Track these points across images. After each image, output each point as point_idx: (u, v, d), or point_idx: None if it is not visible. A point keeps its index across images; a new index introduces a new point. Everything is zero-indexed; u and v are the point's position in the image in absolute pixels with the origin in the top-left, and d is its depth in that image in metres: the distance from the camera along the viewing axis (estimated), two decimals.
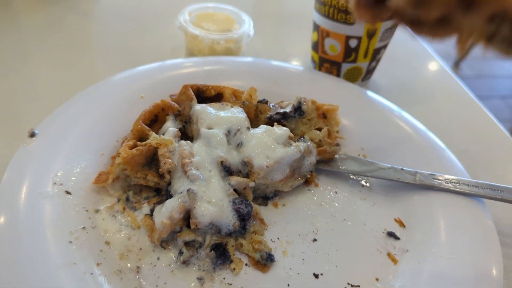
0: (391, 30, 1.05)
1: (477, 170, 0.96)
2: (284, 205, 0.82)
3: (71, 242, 0.66)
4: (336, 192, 0.86)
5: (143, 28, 1.37)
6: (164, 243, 0.72)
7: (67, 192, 0.73)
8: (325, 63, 1.13)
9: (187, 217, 0.71)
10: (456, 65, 4.17)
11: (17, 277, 0.59)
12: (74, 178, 0.76)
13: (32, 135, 0.78)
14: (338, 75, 1.12)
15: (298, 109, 0.90)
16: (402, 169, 0.85)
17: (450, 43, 0.52)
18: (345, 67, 1.10)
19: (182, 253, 0.69)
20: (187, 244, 0.70)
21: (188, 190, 0.71)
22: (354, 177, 0.89)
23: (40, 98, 1.03)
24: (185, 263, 0.69)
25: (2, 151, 0.85)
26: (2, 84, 1.05)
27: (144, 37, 1.33)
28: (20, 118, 0.96)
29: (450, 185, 0.81)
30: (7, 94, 1.02)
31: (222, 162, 0.77)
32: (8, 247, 0.62)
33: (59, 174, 0.75)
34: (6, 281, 0.58)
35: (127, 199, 0.76)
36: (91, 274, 0.63)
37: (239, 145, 0.81)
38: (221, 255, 0.70)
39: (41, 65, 1.15)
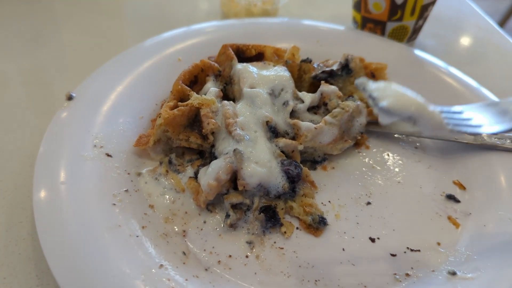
0: None
1: None
2: (333, 168, 0.77)
3: (114, 204, 0.63)
4: (388, 154, 0.80)
5: None
6: (210, 206, 0.68)
7: (108, 155, 0.70)
8: (368, 23, 1.06)
9: (233, 179, 0.68)
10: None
11: (63, 240, 0.56)
12: (114, 141, 0.72)
13: (70, 98, 0.75)
14: (382, 35, 1.06)
15: (346, 67, 0.84)
16: None
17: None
18: (390, 26, 1.03)
19: (229, 216, 0.65)
20: (234, 207, 0.66)
21: (234, 150, 0.67)
22: (406, 138, 0.83)
23: (74, 64, 1.00)
24: (232, 226, 0.66)
25: (40, 116, 0.83)
26: (37, 52, 1.03)
27: (177, 2, 1.28)
28: (55, 85, 0.94)
29: None
30: (42, 62, 1.00)
31: (267, 122, 0.73)
32: (52, 209, 0.59)
33: (99, 136, 0.71)
34: (53, 246, 0.55)
35: (170, 162, 0.73)
36: (137, 236, 0.60)
37: (284, 104, 0.76)
38: (271, 217, 0.66)
39: (73, 33, 1.12)
